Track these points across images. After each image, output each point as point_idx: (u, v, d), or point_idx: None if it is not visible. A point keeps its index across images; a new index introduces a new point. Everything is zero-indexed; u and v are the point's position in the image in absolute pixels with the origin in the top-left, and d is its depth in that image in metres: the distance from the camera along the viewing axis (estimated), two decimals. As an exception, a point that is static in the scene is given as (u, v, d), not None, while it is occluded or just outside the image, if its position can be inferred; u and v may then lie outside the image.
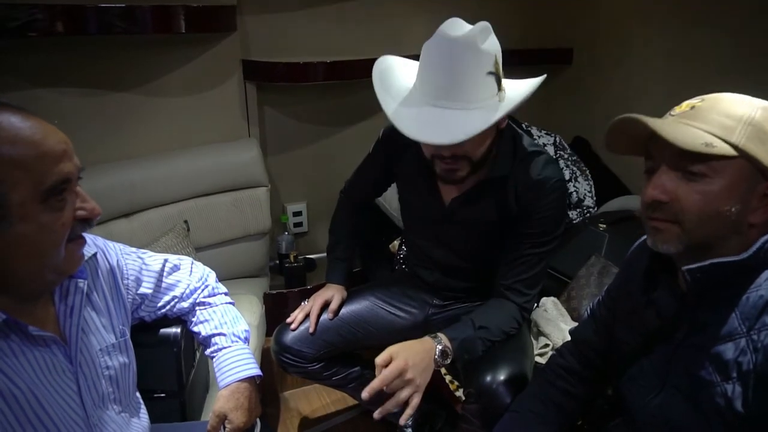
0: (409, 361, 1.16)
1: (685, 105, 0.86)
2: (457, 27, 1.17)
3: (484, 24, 1.17)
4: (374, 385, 1.14)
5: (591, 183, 2.15)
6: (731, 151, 0.78)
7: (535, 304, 1.71)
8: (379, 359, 1.17)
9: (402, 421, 1.22)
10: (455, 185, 1.35)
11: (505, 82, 1.21)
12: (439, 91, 1.16)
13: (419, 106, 1.19)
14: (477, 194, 1.36)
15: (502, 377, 1.22)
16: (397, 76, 1.29)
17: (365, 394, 1.14)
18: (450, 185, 1.36)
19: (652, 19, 2.17)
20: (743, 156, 0.78)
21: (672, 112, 0.87)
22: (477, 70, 1.15)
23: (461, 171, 1.26)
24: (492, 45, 1.16)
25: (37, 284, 0.81)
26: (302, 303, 1.57)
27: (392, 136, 1.45)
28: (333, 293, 1.56)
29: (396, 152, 1.46)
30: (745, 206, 0.80)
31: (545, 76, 1.19)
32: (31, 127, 0.75)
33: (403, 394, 1.15)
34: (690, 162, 0.80)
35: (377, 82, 1.27)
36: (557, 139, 2.19)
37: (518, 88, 1.22)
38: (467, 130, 1.13)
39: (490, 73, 1.16)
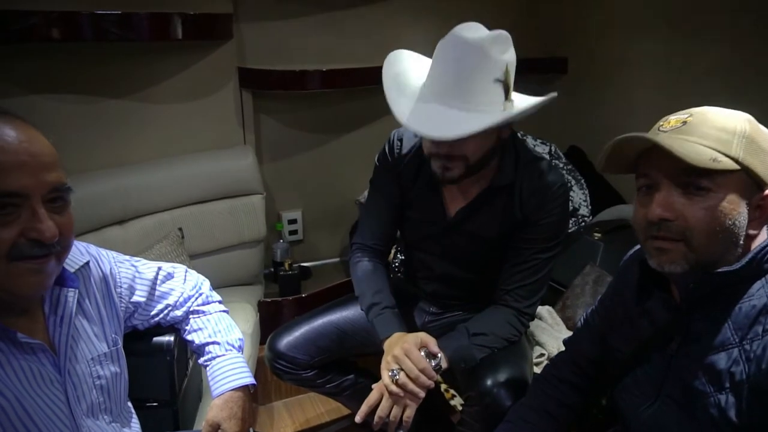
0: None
1: (674, 120, 0.86)
2: (472, 30, 1.17)
3: (503, 33, 1.17)
4: (363, 409, 1.22)
5: (586, 192, 2.15)
6: (734, 165, 0.79)
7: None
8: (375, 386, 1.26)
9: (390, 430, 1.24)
10: (461, 195, 1.37)
11: (514, 94, 1.22)
12: (444, 89, 1.17)
13: (423, 102, 1.20)
14: (482, 204, 1.36)
15: (502, 380, 1.23)
16: (408, 69, 1.29)
17: (358, 418, 1.22)
18: (457, 197, 1.37)
19: (646, 29, 2.18)
20: (743, 169, 0.80)
21: (662, 128, 0.86)
22: (483, 74, 1.15)
23: (454, 171, 1.25)
24: (505, 54, 1.17)
25: None
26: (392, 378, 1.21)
27: (392, 148, 1.45)
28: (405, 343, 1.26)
29: (397, 166, 1.44)
30: (744, 219, 0.81)
31: (555, 95, 1.20)
32: None
33: (392, 414, 1.21)
34: (696, 177, 0.79)
35: (387, 75, 1.27)
36: (552, 148, 2.19)
37: (526, 101, 1.22)
38: (462, 130, 1.12)
39: (498, 80, 1.16)
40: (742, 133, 0.81)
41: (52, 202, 0.78)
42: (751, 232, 0.82)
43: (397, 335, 1.31)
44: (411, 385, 1.20)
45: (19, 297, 0.79)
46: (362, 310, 1.43)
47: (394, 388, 1.20)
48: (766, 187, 0.81)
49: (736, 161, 0.79)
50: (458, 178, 1.27)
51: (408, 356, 1.22)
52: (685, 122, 0.84)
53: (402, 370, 1.21)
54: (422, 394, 1.22)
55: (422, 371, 1.21)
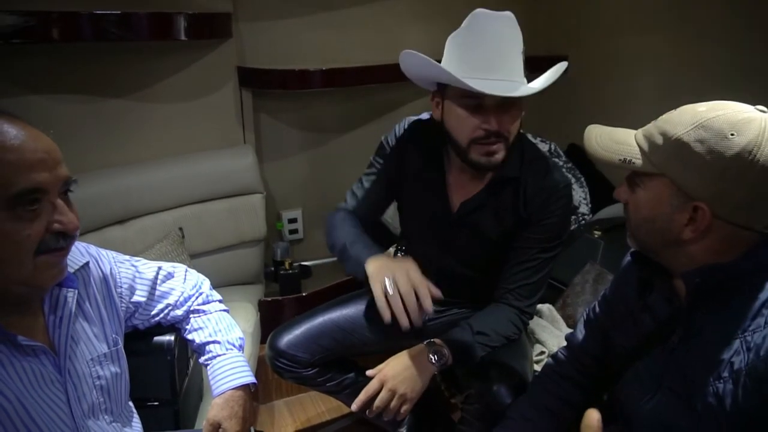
0: (389, 372, 1.21)
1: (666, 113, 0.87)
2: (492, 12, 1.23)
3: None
4: (360, 397, 1.19)
5: (586, 190, 2.15)
6: (652, 169, 0.83)
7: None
8: (370, 371, 1.22)
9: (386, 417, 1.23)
10: (468, 185, 1.37)
11: None
12: (487, 63, 1.20)
13: (480, 76, 1.19)
14: (486, 198, 1.36)
15: (502, 378, 1.24)
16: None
17: (355, 406, 1.20)
18: (463, 188, 1.38)
19: (646, 28, 2.18)
20: (663, 174, 0.82)
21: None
22: (518, 45, 1.23)
23: (499, 153, 1.25)
24: None
25: (5, 296, 0.78)
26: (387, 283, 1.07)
27: (398, 138, 1.44)
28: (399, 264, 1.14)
29: (400, 155, 1.44)
30: (670, 221, 0.82)
31: (566, 63, 1.26)
32: (9, 133, 0.74)
33: (391, 405, 1.19)
34: (632, 172, 0.88)
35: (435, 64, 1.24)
36: (552, 146, 2.19)
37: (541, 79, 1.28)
38: (526, 90, 1.17)
39: (522, 52, 1.24)
40: (675, 139, 0.80)
41: (64, 195, 0.81)
42: (683, 237, 0.82)
43: (383, 257, 1.17)
44: (408, 296, 1.04)
45: (41, 290, 0.82)
46: (334, 251, 1.33)
47: (387, 292, 1.01)
48: (695, 199, 0.79)
49: (655, 165, 0.82)
50: (501, 161, 1.26)
51: (409, 273, 1.05)
52: (661, 118, 0.87)
53: (396, 283, 1.05)
54: (417, 315, 1.06)
55: (419, 287, 1.05)
